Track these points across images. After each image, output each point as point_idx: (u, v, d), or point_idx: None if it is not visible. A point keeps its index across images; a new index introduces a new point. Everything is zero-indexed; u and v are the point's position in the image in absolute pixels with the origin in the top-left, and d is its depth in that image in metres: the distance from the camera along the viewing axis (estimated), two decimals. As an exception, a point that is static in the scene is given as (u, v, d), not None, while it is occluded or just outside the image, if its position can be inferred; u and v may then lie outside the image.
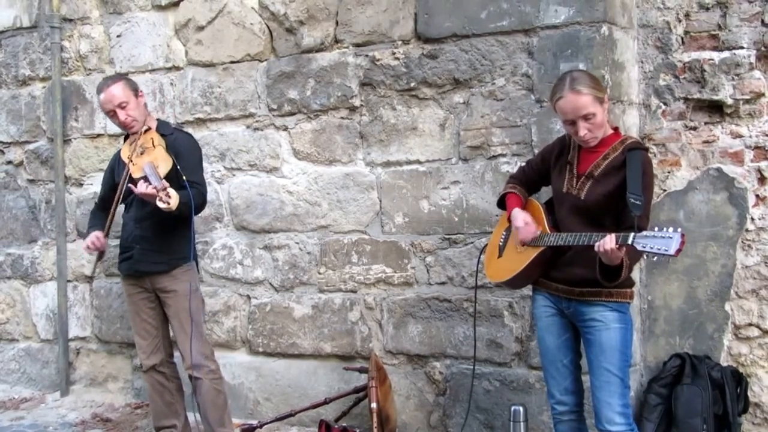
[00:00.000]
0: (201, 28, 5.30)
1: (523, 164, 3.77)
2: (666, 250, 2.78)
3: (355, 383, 4.74)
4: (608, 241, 2.95)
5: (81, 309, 5.84)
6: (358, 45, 4.82)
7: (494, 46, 4.43)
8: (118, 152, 4.47)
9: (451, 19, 4.52)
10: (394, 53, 4.70)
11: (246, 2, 5.14)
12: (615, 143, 3.28)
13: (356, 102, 4.84)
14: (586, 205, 3.24)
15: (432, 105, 4.63)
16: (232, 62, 5.20)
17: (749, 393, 4.25)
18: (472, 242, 4.53)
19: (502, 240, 3.64)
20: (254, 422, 4.85)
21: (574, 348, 3.43)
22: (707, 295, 4.37)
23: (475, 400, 4.52)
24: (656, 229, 2.86)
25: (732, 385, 4.16)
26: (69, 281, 5.86)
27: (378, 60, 4.74)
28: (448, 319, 4.61)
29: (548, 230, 3.36)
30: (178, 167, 4.15)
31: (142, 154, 4.18)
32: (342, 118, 4.89)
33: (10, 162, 6.13)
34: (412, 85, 4.66)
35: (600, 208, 3.20)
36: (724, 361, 4.34)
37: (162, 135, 4.29)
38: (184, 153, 4.27)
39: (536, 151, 4.31)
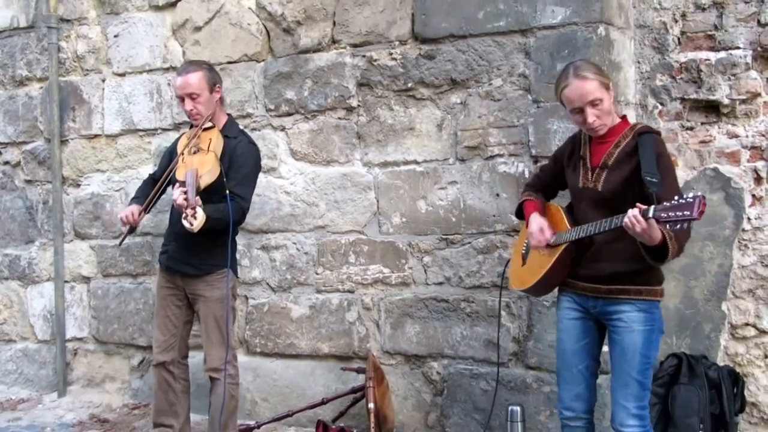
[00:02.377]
0: (198, 29, 5.30)
1: (537, 171, 3.71)
2: (688, 215, 2.72)
3: (352, 383, 4.74)
4: (633, 215, 2.86)
5: (78, 310, 5.84)
6: (355, 45, 4.82)
7: (491, 46, 4.43)
8: (180, 136, 4.42)
9: (448, 19, 4.53)
10: (391, 54, 4.70)
11: (243, 3, 5.15)
12: (625, 130, 3.24)
13: (353, 102, 4.84)
14: (604, 196, 3.20)
15: (429, 105, 4.64)
16: (230, 62, 5.20)
17: (746, 392, 4.25)
18: (469, 242, 4.54)
19: (524, 248, 3.58)
20: (252, 422, 4.86)
21: (593, 354, 3.37)
22: (704, 294, 4.38)
23: (472, 401, 4.53)
24: (675, 198, 2.80)
25: (729, 385, 4.16)
26: (66, 282, 5.85)
27: (375, 60, 4.74)
28: (446, 320, 4.61)
29: (570, 228, 3.30)
30: (225, 177, 4.04)
31: (194, 153, 4.10)
32: (339, 118, 4.90)
33: (7, 162, 6.13)
34: (410, 85, 4.66)
35: (618, 197, 3.14)
36: (721, 360, 4.35)
37: (225, 136, 4.19)
38: (239, 162, 4.16)
39: (533, 151, 4.32)
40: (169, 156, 4.44)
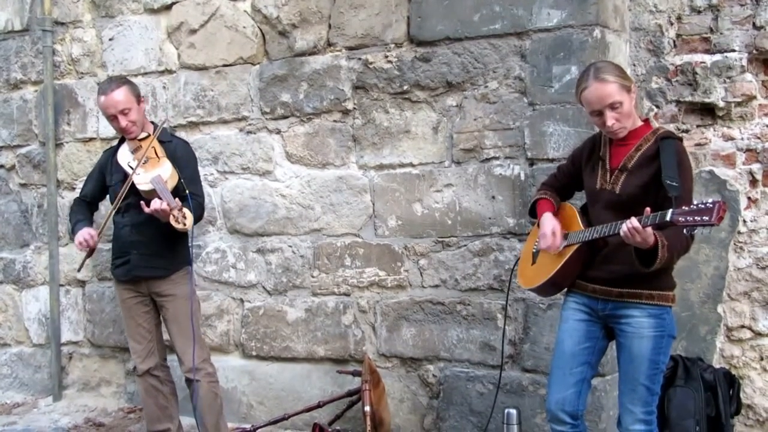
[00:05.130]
0: (193, 32, 5.29)
1: (554, 170, 3.68)
2: (707, 220, 2.69)
3: (348, 386, 4.73)
4: (628, 221, 2.86)
5: (73, 313, 5.82)
6: (350, 48, 4.82)
7: (487, 49, 4.43)
8: (110, 152, 4.46)
9: (443, 22, 4.52)
10: (386, 56, 4.70)
11: (239, 6, 5.14)
12: (647, 134, 3.20)
13: (349, 105, 4.84)
14: (621, 199, 3.16)
15: (425, 108, 4.63)
16: (225, 65, 5.20)
17: (741, 395, 4.25)
18: (465, 245, 4.54)
19: (535, 247, 3.54)
20: (248, 426, 4.85)
21: (590, 360, 3.32)
22: (700, 297, 4.38)
23: (468, 403, 4.52)
24: (695, 202, 2.77)
25: (724, 387, 4.16)
26: (61, 285, 5.84)
27: (371, 63, 4.74)
28: (442, 322, 4.60)
29: (583, 229, 3.26)
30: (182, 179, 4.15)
31: (145, 163, 4.15)
32: (335, 121, 4.89)
33: (2, 166, 6.11)
34: (405, 88, 4.66)
35: (636, 201, 3.09)
36: (717, 363, 4.35)
37: (160, 142, 4.27)
38: (183, 163, 4.26)
39: (529, 154, 4.32)
40: (100, 174, 4.48)
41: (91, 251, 4.37)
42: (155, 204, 3.95)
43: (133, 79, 5.45)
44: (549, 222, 3.37)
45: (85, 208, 4.51)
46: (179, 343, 4.27)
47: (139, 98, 4.29)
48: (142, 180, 4.10)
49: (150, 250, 4.23)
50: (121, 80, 4.36)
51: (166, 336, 4.48)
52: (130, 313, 4.38)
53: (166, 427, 4.44)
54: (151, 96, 5.45)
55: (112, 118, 4.24)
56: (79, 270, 4.88)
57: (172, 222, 3.91)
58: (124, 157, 4.26)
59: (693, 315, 4.39)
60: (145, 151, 4.18)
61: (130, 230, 4.28)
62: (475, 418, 4.51)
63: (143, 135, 4.28)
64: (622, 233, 2.92)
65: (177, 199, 3.98)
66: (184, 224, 3.93)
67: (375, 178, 4.80)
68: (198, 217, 4.24)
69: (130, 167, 4.17)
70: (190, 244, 4.29)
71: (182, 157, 4.30)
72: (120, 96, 4.19)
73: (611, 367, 4.05)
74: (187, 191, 4.12)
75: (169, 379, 4.49)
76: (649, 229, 2.86)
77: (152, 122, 4.52)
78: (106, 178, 4.42)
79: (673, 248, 2.99)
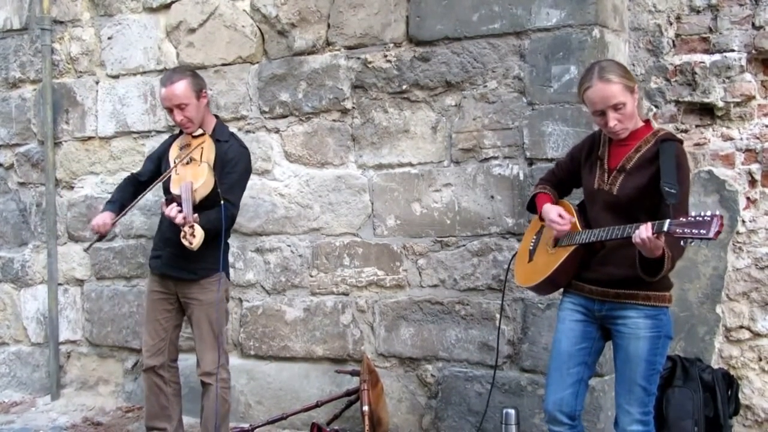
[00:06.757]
0: (192, 31, 5.29)
1: (552, 167, 3.66)
2: (704, 234, 2.68)
3: (347, 386, 4.73)
4: (644, 230, 2.84)
5: (72, 312, 5.82)
6: (349, 47, 4.82)
7: (486, 48, 4.43)
8: (172, 138, 4.38)
9: (442, 21, 4.52)
10: (386, 56, 4.70)
11: (237, 5, 5.14)
12: (647, 135, 3.18)
13: (348, 104, 4.83)
14: (618, 200, 3.14)
15: (424, 107, 4.63)
16: (224, 64, 5.19)
17: (740, 395, 4.25)
18: (464, 245, 4.53)
19: (532, 244, 3.54)
20: (246, 425, 4.84)
21: (587, 361, 3.32)
22: (698, 297, 4.38)
23: (467, 403, 4.52)
24: (693, 213, 2.76)
25: (723, 388, 4.15)
26: (60, 284, 5.83)
27: (370, 62, 4.74)
28: (440, 322, 4.60)
29: (581, 230, 3.25)
30: (218, 185, 4.04)
31: (187, 164, 4.07)
32: (334, 120, 4.89)
33: (0, 165, 6.11)
34: (404, 87, 4.66)
35: (633, 203, 3.10)
36: (715, 363, 4.35)
37: (216, 140, 4.18)
38: (229, 167, 4.15)
39: (528, 153, 4.32)
40: (158, 160, 4.41)
41: (101, 236, 4.26)
42: (171, 211, 3.89)
43: (132, 78, 5.52)
44: (553, 208, 3.36)
45: (129, 188, 4.38)
46: (199, 346, 4.23)
47: (200, 93, 4.17)
48: (177, 181, 4.02)
49: (179, 251, 4.09)
50: (185, 73, 4.24)
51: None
52: (153, 306, 4.32)
53: (164, 426, 4.42)
54: (150, 95, 5.45)
55: (169, 111, 4.17)
56: (86, 249, 4.71)
57: (181, 236, 3.85)
58: (174, 150, 4.20)
59: (691, 315, 4.39)
60: (190, 152, 4.09)
61: (168, 226, 4.16)
62: (474, 418, 4.50)
63: (199, 132, 4.18)
64: (633, 239, 2.89)
65: (196, 215, 3.88)
66: (191, 243, 3.83)
67: (374, 177, 4.80)
68: (227, 227, 4.11)
69: (175, 162, 4.11)
70: (223, 249, 4.14)
71: (231, 160, 4.17)
72: (179, 90, 4.09)
73: (609, 367, 4.05)
74: (222, 200, 4.01)
75: (175, 380, 4.42)
76: (660, 241, 2.85)
77: (215, 115, 4.42)
78: (162, 165, 4.33)
79: (676, 258, 3.00)
